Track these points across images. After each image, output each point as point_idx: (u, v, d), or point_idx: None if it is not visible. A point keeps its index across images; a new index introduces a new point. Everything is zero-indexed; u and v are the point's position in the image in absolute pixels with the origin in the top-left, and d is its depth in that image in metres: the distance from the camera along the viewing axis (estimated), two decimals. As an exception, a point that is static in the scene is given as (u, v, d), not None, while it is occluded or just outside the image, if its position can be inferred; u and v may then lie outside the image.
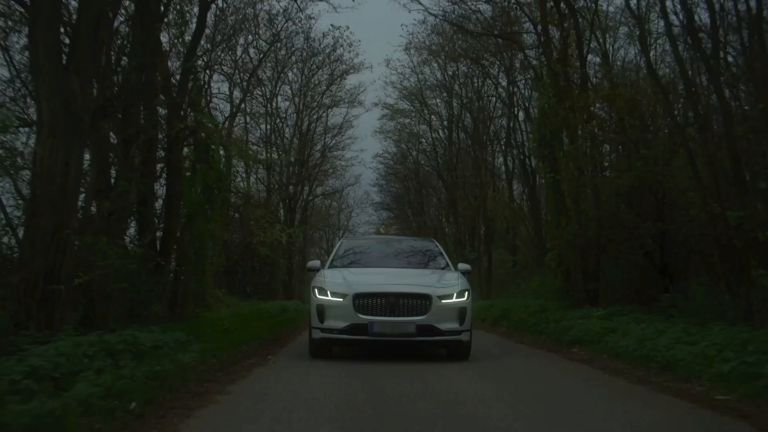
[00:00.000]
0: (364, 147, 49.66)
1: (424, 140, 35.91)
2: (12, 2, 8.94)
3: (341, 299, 8.58)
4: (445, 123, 33.08)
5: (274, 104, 31.91)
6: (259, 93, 30.12)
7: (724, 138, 9.56)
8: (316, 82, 32.94)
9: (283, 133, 33.68)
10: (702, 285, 10.70)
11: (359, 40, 35.02)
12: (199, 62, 15.26)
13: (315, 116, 34.34)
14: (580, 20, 15.20)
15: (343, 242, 11.54)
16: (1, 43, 9.41)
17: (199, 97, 13.96)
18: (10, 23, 9.37)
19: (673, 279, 12.16)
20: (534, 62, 17.56)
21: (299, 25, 24.95)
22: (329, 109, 34.25)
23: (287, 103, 33.14)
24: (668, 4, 11.14)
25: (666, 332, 8.08)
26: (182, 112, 12.40)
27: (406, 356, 8.62)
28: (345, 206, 50.89)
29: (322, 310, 8.67)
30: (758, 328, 7.66)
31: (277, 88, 31.66)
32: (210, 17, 15.95)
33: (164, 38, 13.14)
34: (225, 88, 26.83)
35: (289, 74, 31.97)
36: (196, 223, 13.16)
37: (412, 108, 33.90)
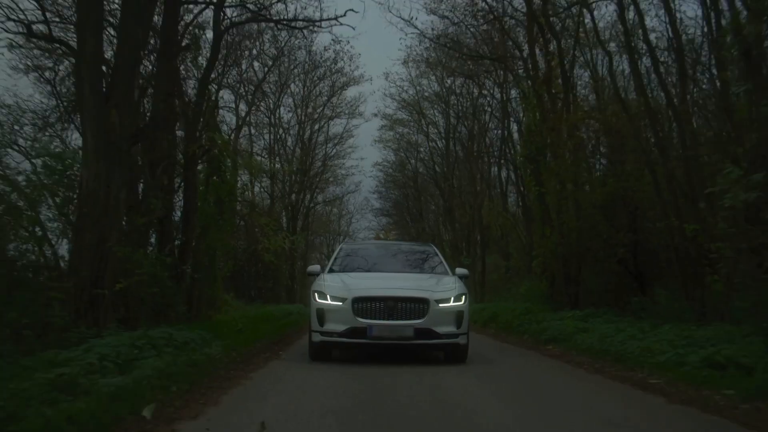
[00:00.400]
0: (364, 155, 50.78)
1: (422, 149, 37.19)
2: (59, 45, 10.18)
3: (340, 303, 8.73)
4: (442, 133, 34.34)
5: (277, 115, 33.22)
6: (263, 105, 31.35)
7: (682, 158, 10.79)
8: (318, 93, 34.18)
9: (285, 143, 34.93)
10: (665, 290, 11.92)
11: (359, 54, 36.17)
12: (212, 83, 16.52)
13: (317, 126, 35.63)
14: (570, 40, 16.41)
15: (343, 247, 11.62)
16: (49, 78, 10.64)
17: (213, 116, 15.20)
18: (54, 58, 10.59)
19: (645, 284, 13.37)
20: (522, 81, 18.74)
21: (301, 39, 26.13)
22: (330, 120, 35.40)
23: (290, 113, 34.35)
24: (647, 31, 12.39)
25: (624, 331, 9.32)
26: (198, 132, 13.63)
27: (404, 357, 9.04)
28: (345, 212, 51.92)
29: (321, 313, 8.81)
30: (707, 326, 8.88)
31: (280, 99, 32.95)
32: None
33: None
34: (228, 94, 28.13)
35: (292, 86, 33.24)
36: (210, 234, 14.36)
37: (410, 118, 35.19)
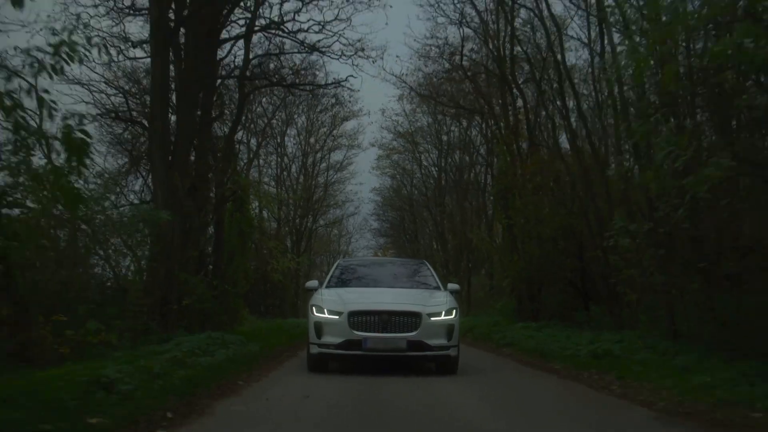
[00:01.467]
0: (363, 181, 53.62)
1: (416, 176, 40.31)
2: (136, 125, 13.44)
3: (337, 317, 9.13)
4: (435, 161, 37.49)
5: (282, 145, 36.35)
6: (270, 137, 34.49)
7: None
8: (321, 123, 37.20)
9: (290, 170, 38.19)
10: (599, 306, 15.04)
11: (358, 89, 39.14)
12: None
13: (319, 155, 38.81)
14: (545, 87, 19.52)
15: (340, 263, 12.07)
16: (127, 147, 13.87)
17: (236, 163, 18.44)
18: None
19: (588, 302, 16.47)
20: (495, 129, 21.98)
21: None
22: (331, 152, 38.52)
23: (294, 144, 37.44)
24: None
25: (555, 336, 12.44)
26: (226, 178, 16.81)
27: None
28: (345, 232, 54.94)
29: (319, 327, 9.23)
30: (616, 332, 11.95)
31: (286, 131, 36.08)
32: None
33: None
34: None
35: (296, 117, 36.31)
36: (235, 260, 17.50)
37: (405, 147, 38.30)
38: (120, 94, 13.14)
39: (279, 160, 36.47)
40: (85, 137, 5.28)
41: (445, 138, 34.80)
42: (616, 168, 12.15)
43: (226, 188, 16.14)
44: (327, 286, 10.45)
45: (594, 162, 13.54)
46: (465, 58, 20.11)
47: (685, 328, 10.15)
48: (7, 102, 5.39)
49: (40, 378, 5.78)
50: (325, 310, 9.32)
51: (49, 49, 5.89)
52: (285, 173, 37.18)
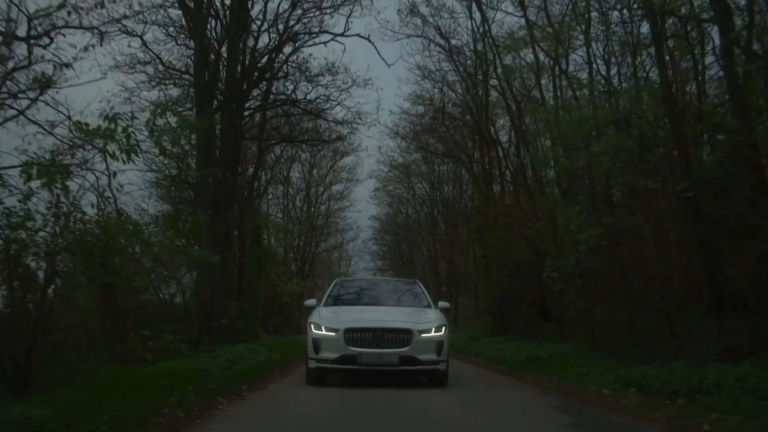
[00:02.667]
0: (362, 208, 57.20)
1: (411, 204, 43.91)
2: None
3: (334, 333, 9.55)
4: (428, 191, 41.09)
5: (289, 179, 39.96)
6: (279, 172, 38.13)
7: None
8: (321, 156, 40.67)
9: (294, 201, 41.84)
10: (551, 323, 18.56)
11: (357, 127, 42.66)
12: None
13: (321, 188, 42.46)
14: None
15: (337, 282, 12.60)
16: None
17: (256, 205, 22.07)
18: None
19: (546, 320, 19.99)
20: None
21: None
22: (332, 185, 42.10)
23: (298, 176, 40.99)
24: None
25: (511, 346, 15.92)
26: (248, 218, 20.42)
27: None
28: (345, 255, 58.52)
29: (317, 343, 9.68)
30: (561, 343, 15.45)
31: (291, 165, 39.68)
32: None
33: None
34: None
35: (300, 153, 39.87)
36: (254, 286, 21.07)
37: (400, 178, 41.88)
38: (170, 159, 16.65)
39: (285, 191, 40.09)
40: (198, 221, 8.82)
41: (436, 169, 38.41)
42: (539, 224, 15.77)
43: (248, 230, 19.76)
44: (325, 305, 11.01)
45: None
46: (446, 115, 23.75)
47: (600, 339, 13.70)
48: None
49: (156, 370, 9.28)
50: (323, 327, 9.79)
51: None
52: (290, 204, 40.82)
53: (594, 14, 13.50)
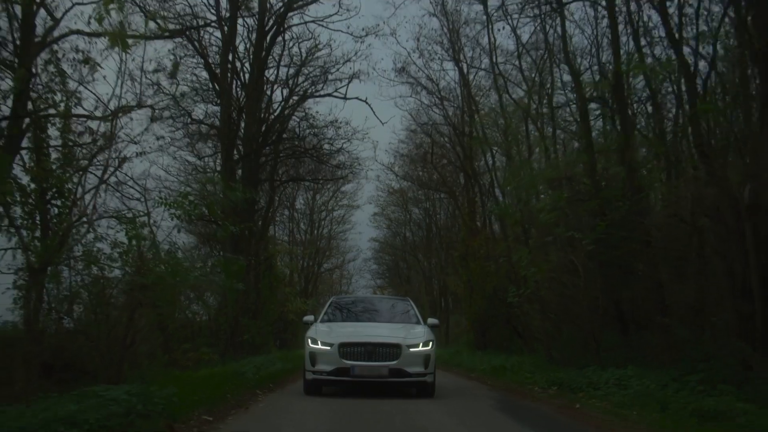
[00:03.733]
0: (362, 230, 60.26)
1: (408, 227, 47.10)
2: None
3: (329, 347, 10.16)
4: (423, 217, 44.32)
5: (293, 204, 43.22)
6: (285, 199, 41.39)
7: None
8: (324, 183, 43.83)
9: (299, 224, 45.05)
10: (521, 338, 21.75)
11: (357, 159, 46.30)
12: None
13: (324, 213, 45.71)
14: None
15: (333, 300, 13.41)
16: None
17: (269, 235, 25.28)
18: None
19: (519, 335, 23.18)
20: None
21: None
22: (333, 212, 45.35)
23: (302, 201, 44.17)
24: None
25: (485, 358, 19.10)
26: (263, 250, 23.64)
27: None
28: (347, 273, 61.60)
29: (314, 356, 10.33)
30: (528, 355, 18.64)
31: (296, 193, 42.91)
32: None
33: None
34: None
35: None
36: (267, 306, 24.24)
37: (397, 203, 45.10)
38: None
39: (291, 215, 43.31)
40: (242, 266, 12.05)
41: (431, 196, 41.63)
42: (502, 259, 19.00)
43: (263, 260, 22.98)
44: (321, 321, 11.79)
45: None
46: (435, 154, 27.11)
47: (553, 351, 16.89)
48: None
49: (206, 373, 12.44)
50: (319, 342, 10.50)
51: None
52: (295, 227, 44.03)
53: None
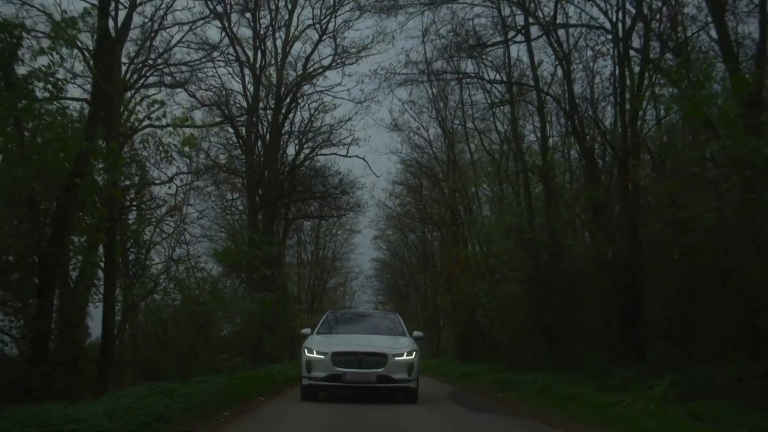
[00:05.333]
0: (363, 251, 64.58)
1: (405, 250, 51.58)
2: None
3: (323, 356, 10.96)
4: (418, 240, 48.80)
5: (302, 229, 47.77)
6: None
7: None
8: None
9: (306, 246, 49.57)
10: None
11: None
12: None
13: (328, 237, 50.28)
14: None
15: (328, 315, 14.26)
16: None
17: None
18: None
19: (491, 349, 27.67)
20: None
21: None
22: (336, 236, 49.89)
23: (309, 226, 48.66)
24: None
25: (462, 368, 23.58)
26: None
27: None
28: (350, 290, 65.91)
29: (309, 364, 11.11)
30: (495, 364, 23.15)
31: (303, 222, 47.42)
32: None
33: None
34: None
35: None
36: (282, 324, 28.75)
37: (396, 227, 49.57)
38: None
39: (298, 239, 47.82)
40: (272, 299, 16.60)
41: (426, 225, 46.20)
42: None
43: (278, 282, 27.53)
44: (317, 333, 12.74)
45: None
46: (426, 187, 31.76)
47: (512, 362, 21.40)
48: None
49: (246, 375, 16.93)
50: (314, 351, 11.36)
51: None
52: (302, 250, 48.56)
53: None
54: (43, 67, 10.01)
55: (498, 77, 20.02)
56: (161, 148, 15.44)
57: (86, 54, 12.66)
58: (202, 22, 19.48)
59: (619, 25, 14.30)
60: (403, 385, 11.31)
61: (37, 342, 10.39)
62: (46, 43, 10.17)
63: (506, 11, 16.75)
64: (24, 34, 9.90)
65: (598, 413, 9.63)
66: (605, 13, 14.80)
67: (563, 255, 15.84)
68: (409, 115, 28.91)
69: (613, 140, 14.92)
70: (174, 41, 17.86)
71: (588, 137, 15.79)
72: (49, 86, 10.16)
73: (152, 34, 16.35)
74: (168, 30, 17.51)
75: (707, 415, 8.22)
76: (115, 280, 14.25)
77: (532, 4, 15.99)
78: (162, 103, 14.47)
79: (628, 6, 14.19)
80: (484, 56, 18.48)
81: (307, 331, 13.09)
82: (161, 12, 16.58)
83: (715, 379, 9.59)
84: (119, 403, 7.73)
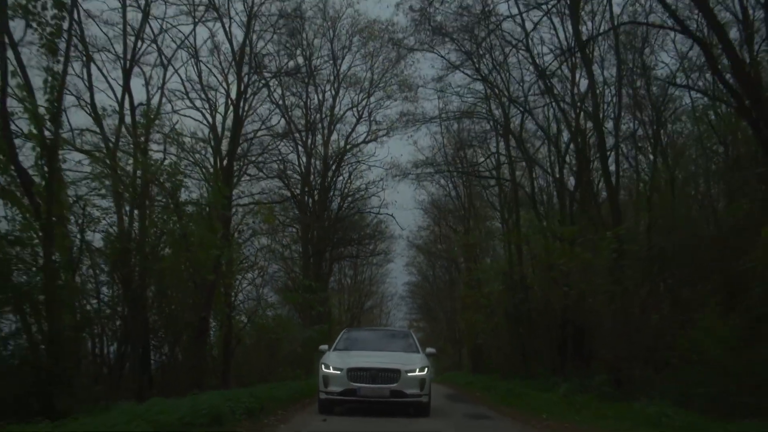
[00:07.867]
0: (396, 275, 70.79)
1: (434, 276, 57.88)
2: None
3: (339, 372, 11.41)
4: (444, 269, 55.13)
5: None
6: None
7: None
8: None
9: (346, 273, 56.27)
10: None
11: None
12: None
13: (365, 265, 56.92)
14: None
15: (344, 332, 14.59)
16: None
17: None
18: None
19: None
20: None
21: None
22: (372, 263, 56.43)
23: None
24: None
25: (467, 378, 30.13)
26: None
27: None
28: (386, 309, 72.09)
29: (326, 379, 11.54)
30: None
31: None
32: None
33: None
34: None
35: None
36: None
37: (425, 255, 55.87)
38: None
39: (339, 267, 54.50)
40: (326, 329, 23.36)
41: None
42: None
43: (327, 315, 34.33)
44: (334, 349, 12.93)
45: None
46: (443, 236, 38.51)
47: (505, 372, 27.86)
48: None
49: (292, 384, 23.63)
50: (331, 367, 11.65)
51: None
52: (343, 277, 55.29)
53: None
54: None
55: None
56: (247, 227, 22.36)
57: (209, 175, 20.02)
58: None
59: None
60: (415, 399, 11.73)
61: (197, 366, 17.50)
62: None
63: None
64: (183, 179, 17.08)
65: (528, 402, 15.85)
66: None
67: (528, 298, 22.45)
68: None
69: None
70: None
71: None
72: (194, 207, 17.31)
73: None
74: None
75: (576, 401, 14.63)
76: (231, 330, 21.14)
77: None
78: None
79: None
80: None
81: (324, 347, 13.57)
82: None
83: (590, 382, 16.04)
84: (239, 393, 12.62)
